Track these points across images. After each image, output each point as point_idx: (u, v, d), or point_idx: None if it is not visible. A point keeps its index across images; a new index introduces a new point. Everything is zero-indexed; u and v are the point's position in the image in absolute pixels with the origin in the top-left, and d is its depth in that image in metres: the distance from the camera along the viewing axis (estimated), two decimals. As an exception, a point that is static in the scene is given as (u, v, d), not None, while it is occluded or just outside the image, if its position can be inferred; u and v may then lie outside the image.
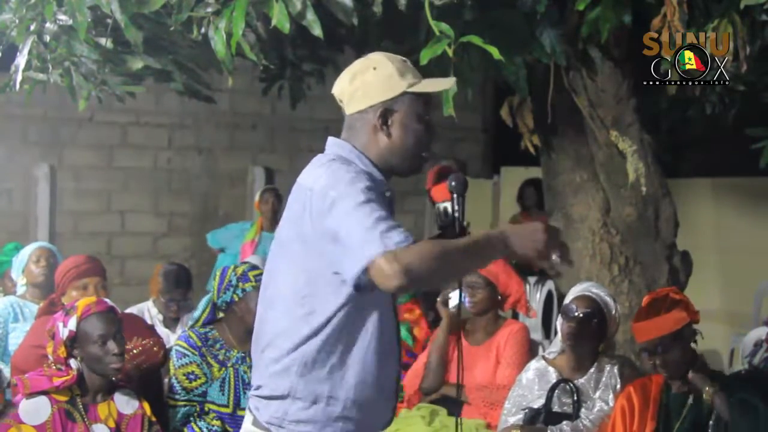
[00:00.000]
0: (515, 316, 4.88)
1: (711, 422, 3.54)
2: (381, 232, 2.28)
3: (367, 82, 2.52)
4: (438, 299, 4.53)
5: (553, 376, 3.98)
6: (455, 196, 2.76)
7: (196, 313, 4.02)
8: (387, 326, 2.51)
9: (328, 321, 2.42)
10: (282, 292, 2.49)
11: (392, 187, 2.56)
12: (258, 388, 2.53)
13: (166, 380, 3.99)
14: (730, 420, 3.46)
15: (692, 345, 3.65)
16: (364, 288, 2.35)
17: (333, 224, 2.35)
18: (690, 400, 3.62)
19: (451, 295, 4.45)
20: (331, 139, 2.59)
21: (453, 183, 2.77)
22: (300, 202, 2.45)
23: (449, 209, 2.76)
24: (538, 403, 3.95)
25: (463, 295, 4.45)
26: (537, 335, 5.69)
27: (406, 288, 2.30)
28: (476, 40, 3.32)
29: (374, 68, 2.52)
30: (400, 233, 2.29)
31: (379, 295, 2.42)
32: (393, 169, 2.56)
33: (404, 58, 2.58)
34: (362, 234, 2.30)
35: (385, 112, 2.51)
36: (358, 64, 2.57)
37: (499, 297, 4.52)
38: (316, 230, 2.39)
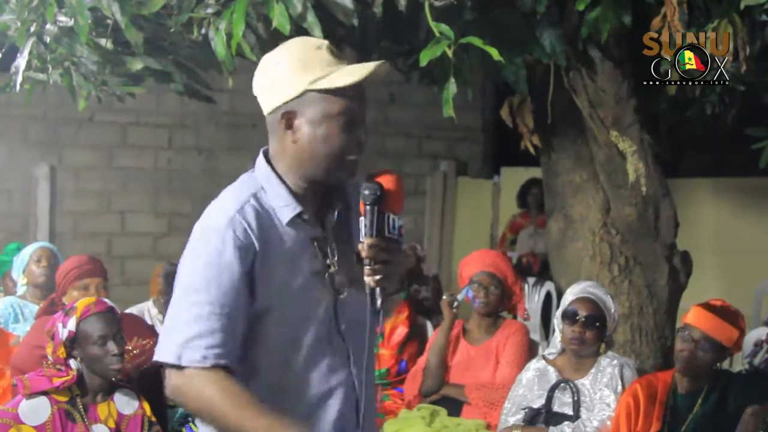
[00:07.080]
0: (515, 315, 4.90)
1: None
2: (187, 338, 2.10)
3: (271, 79, 2.19)
4: (444, 298, 4.53)
5: (553, 376, 3.98)
6: (368, 207, 2.18)
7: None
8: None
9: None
10: None
11: (304, 208, 2.19)
12: None
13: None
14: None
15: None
16: None
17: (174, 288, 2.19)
18: (698, 402, 3.63)
19: (459, 296, 4.46)
20: (262, 151, 2.28)
21: (366, 192, 2.18)
22: None
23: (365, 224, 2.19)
24: (538, 403, 3.95)
25: (472, 294, 4.47)
26: (536, 336, 5.69)
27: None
28: (476, 41, 3.32)
29: (277, 63, 2.18)
30: (200, 349, 2.08)
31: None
32: (313, 178, 2.20)
33: (320, 43, 2.19)
34: (171, 327, 2.14)
35: (287, 114, 2.17)
36: (266, 57, 2.23)
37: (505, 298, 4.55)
38: None
